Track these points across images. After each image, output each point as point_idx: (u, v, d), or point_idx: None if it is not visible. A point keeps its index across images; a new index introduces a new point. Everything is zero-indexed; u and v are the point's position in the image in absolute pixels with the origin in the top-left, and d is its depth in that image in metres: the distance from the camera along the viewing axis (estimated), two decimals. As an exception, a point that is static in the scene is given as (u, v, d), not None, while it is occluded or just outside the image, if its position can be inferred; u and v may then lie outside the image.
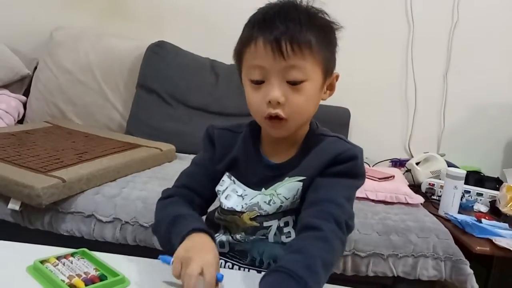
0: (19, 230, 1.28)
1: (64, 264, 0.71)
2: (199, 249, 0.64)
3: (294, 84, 0.69)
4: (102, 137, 1.74)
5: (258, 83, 0.70)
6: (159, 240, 0.80)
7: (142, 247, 1.29)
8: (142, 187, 1.40)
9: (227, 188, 0.80)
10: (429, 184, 1.77)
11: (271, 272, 0.60)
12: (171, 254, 0.67)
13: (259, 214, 0.76)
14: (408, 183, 1.73)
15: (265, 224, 0.76)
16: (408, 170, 1.89)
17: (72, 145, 1.57)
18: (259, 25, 0.69)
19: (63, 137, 1.69)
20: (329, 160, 0.72)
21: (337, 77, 0.76)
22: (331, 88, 0.77)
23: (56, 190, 1.22)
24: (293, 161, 0.77)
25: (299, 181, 0.74)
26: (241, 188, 0.80)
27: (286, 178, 0.75)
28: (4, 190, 1.23)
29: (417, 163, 1.90)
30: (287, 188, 0.75)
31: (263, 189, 0.77)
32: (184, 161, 1.70)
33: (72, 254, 0.74)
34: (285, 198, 0.75)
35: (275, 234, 0.76)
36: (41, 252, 0.73)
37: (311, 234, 0.65)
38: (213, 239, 0.69)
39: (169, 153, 1.71)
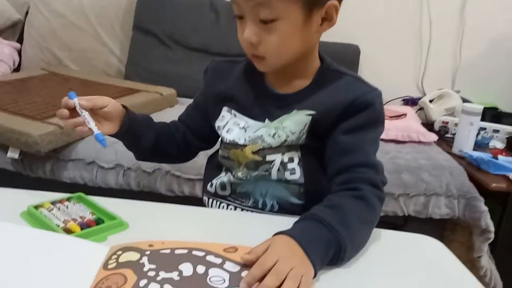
0: (22, 179, 1.27)
1: (59, 209, 0.68)
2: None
3: (265, 23, 0.64)
4: (100, 83, 1.68)
5: (240, 18, 0.66)
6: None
7: (146, 192, 1.27)
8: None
9: (228, 122, 0.76)
10: (443, 122, 1.69)
11: (302, 220, 0.59)
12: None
13: (262, 147, 0.72)
14: (420, 122, 1.66)
15: (268, 158, 0.72)
16: (421, 108, 1.80)
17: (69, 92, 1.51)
18: None
19: (60, 84, 1.63)
20: (345, 104, 0.67)
21: (335, 6, 0.66)
22: (330, 19, 0.67)
23: (54, 137, 1.18)
24: (302, 94, 0.72)
25: (308, 115, 0.69)
26: (243, 120, 0.75)
27: (294, 111, 0.71)
28: (1, 138, 1.20)
29: (431, 101, 1.81)
30: (294, 122, 0.70)
31: (266, 120, 0.73)
32: (185, 106, 1.63)
33: (68, 199, 0.71)
34: (291, 132, 0.71)
35: (278, 169, 0.72)
36: (36, 197, 0.70)
37: (347, 193, 0.63)
38: (127, 111, 0.75)
39: (169, 97, 1.65)
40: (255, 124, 0.74)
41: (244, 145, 0.73)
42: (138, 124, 0.77)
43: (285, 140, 0.71)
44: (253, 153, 0.73)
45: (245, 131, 0.74)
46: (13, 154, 1.20)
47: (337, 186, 0.66)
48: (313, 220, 0.58)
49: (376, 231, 0.67)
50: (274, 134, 0.71)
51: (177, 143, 0.83)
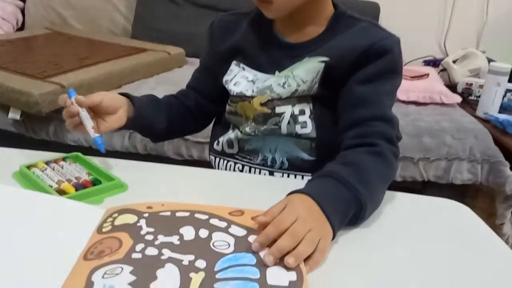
0: (25, 141, 1.23)
1: (53, 169, 0.63)
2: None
3: None
4: (105, 42, 1.61)
5: None
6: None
7: (153, 156, 1.23)
8: (150, 92, 1.30)
9: (235, 75, 0.71)
10: (467, 83, 1.60)
11: (318, 177, 0.54)
12: None
13: (270, 98, 0.67)
14: (443, 83, 1.56)
15: (277, 110, 0.67)
16: (443, 69, 1.70)
17: (72, 51, 1.46)
18: None
19: (64, 43, 1.57)
20: (361, 50, 0.62)
21: None
22: None
23: (55, 97, 1.11)
24: (315, 42, 0.66)
25: (321, 61, 0.64)
26: (251, 73, 0.70)
27: (306, 58, 0.65)
28: (2, 98, 1.16)
29: (454, 61, 1.70)
30: (306, 70, 0.65)
31: (276, 72, 0.68)
32: (194, 66, 1.55)
33: (64, 159, 0.67)
34: (302, 81, 0.65)
35: (288, 123, 0.67)
36: (30, 157, 0.66)
37: (363, 149, 0.59)
38: (132, 101, 0.68)
39: (178, 57, 1.59)
40: (264, 77, 0.69)
41: (252, 97, 0.69)
42: (146, 109, 0.70)
43: (296, 90, 0.66)
44: (262, 105, 0.68)
45: (254, 83, 0.69)
46: (14, 114, 1.16)
47: (350, 140, 0.61)
48: (330, 178, 0.53)
49: (398, 195, 0.62)
50: (284, 84, 0.66)
51: (190, 113, 0.77)
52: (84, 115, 0.61)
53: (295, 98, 0.66)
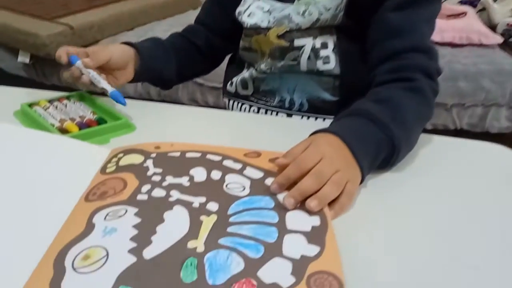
0: (36, 87, 1.20)
1: (56, 108, 0.60)
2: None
3: None
4: (115, -18, 1.52)
5: None
6: None
7: (167, 101, 1.18)
8: (163, 36, 1.23)
9: (250, 6, 0.64)
10: (507, 24, 1.46)
11: (346, 115, 0.48)
12: None
13: (288, 29, 0.60)
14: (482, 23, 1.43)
15: (296, 43, 0.60)
16: (482, 9, 1.56)
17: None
18: None
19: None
20: None
21: None
22: None
23: (64, 38, 1.08)
24: None
25: None
26: (267, 3, 0.64)
27: None
28: (9, 40, 1.12)
29: (495, 0, 1.55)
30: None
31: (296, 1, 0.61)
32: (210, 7, 1.48)
33: (68, 97, 0.63)
34: (325, 8, 0.58)
35: (308, 58, 0.60)
36: (34, 96, 0.63)
37: (399, 85, 0.52)
38: (137, 50, 0.63)
39: (192, -3, 1.49)
40: (282, 6, 0.62)
41: (268, 28, 0.62)
42: (153, 60, 0.66)
43: (318, 20, 0.58)
44: (279, 37, 0.61)
45: (270, 13, 0.62)
46: (23, 58, 1.12)
47: (384, 75, 0.54)
48: (360, 116, 0.47)
49: (435, 137, 0.56)
50: (304, 12, 0.59)
51: (200, 53, 0.72)
52: (95, 75, 0.57)
53: (317, 29, 0.59)
